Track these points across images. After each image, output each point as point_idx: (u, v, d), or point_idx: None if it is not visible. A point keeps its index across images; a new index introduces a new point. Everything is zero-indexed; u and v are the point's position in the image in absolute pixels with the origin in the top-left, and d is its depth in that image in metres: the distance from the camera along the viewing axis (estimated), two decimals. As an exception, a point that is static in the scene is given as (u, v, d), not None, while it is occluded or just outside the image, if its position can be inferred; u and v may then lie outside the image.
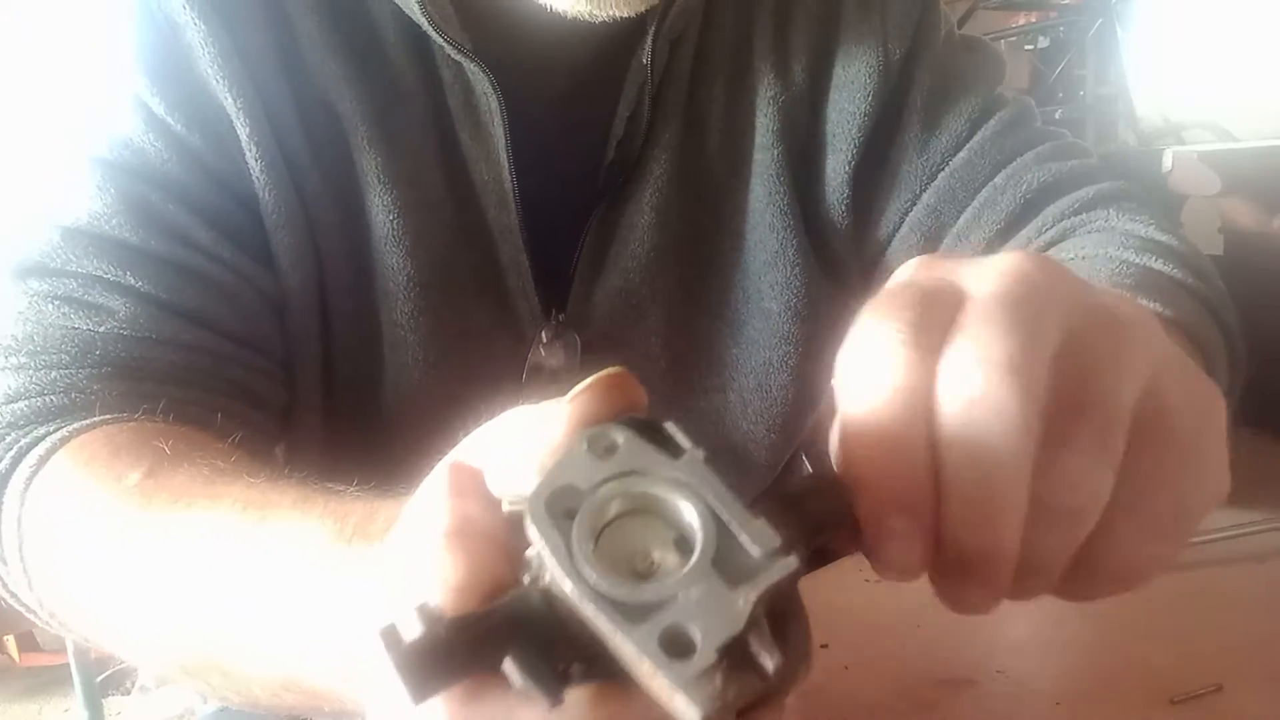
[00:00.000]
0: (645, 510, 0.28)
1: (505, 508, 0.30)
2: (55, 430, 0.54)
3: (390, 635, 0.25)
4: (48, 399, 0.55)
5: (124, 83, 0.60)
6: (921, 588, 0.66)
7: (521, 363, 0.69)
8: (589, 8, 0.58)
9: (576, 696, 0.26)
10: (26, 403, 0.55)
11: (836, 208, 0.73)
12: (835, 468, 0.31)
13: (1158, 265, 0.61)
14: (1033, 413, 0.28)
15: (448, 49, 0.62)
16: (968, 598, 0.31)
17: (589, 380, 0.29)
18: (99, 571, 0.49)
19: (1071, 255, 0.64)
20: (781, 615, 0.27)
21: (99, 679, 1.58)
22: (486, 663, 0.26)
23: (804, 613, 0.28)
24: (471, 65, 0.63)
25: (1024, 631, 0.59)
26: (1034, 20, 3.34)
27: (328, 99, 0.64)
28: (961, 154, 0.72)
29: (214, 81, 0.60)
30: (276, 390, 0.65)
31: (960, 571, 0.30)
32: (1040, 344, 0.29)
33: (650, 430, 0.28)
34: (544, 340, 0.69)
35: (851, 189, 0.72)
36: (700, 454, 0.28)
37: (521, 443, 0.29)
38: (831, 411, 0.33)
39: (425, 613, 0.25)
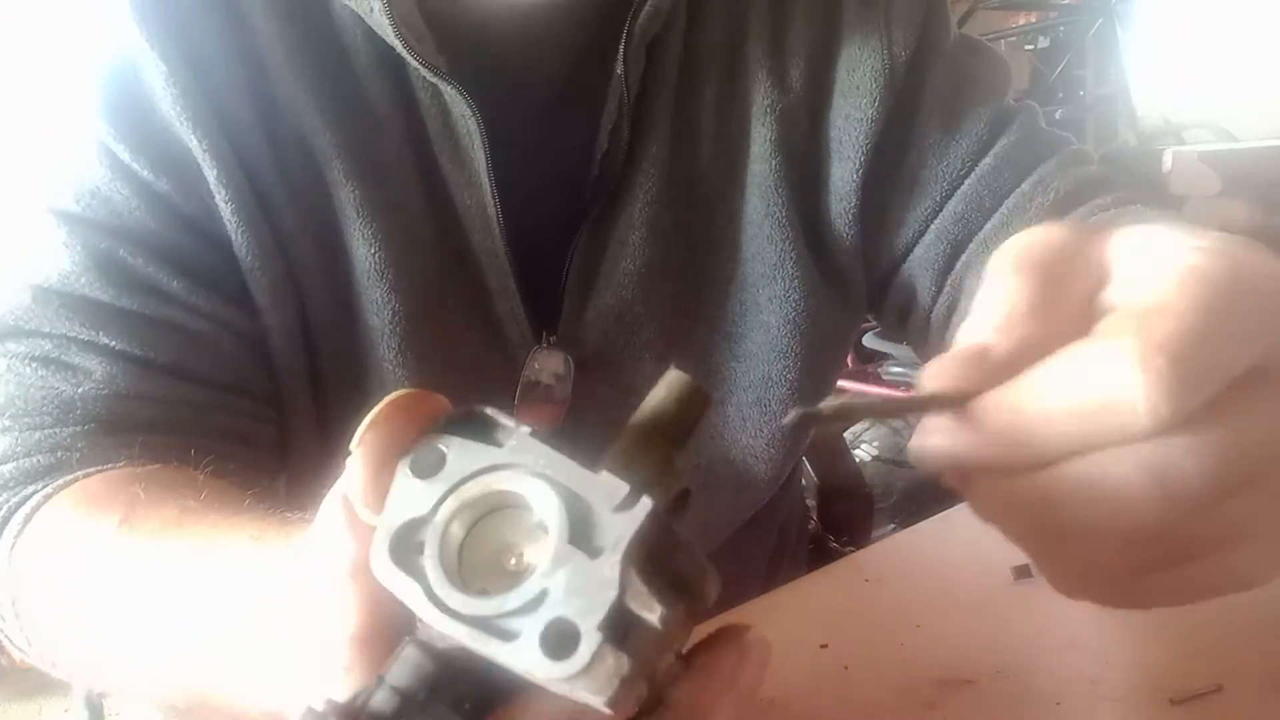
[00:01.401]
0: (496, 508, 0.27)
1: None
2: (41, 489, 0.54)
3: None
4: (34, 459, 0.56)
5: (87, 129, 0.59)
6: (921, 587, 0.66)
7: (513, 385, 0.68)
8: None
9: None
10: (14, 464, 0.56)
11: (843, 217, 0.71)
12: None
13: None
14: (1134, 533, 0.29)
15: (424, 71, 0.60)
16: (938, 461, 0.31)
17: (371, 416, 0.28)
18: (85, 620, 0.49)
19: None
20: (662, 553, 0.26)
21: (99, 679, 1.58)
22: None
23: (685, 540, 0.27)
24: (448, 88, 0.61)
25: (1024, 631, 0.59)
26: (1034, 20, 3.34)
27: (300, 131, 0.62)
28: (987, 160, 0.71)
29: (178, 123, 0.58)
30: (265, 430, 0.64)
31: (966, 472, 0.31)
32: (1212, 504, 0.28)
33: (472, 425, 0.28)
34: (535, 363, 0.68)
35: (860, 198, 0.71)
36: (525, 430, 0.27)
37: (345, 472, 0.28)
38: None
39: (310, 718, 0.25)
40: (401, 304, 0.64)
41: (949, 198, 0.71)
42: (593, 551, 0.25)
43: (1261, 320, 0.29)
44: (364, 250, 0.63)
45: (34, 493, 0.55)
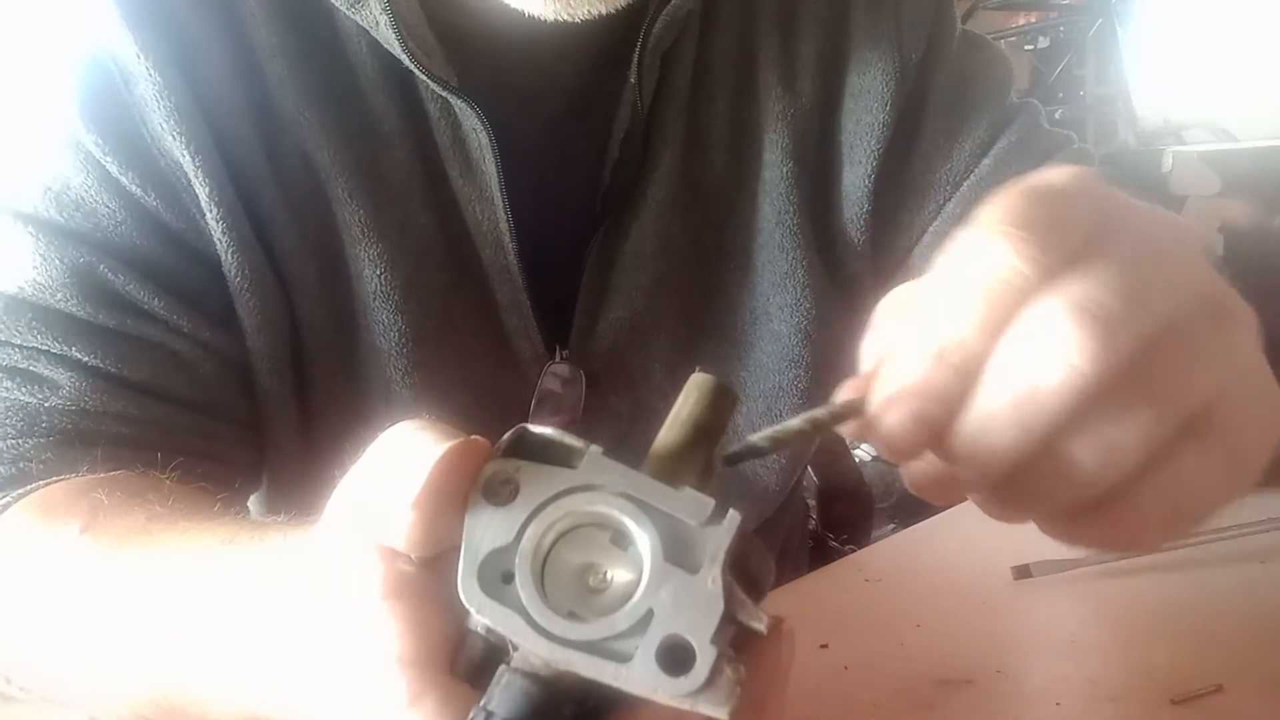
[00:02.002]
0: (573, 527, 0.27)
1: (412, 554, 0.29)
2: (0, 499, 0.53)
3: None
4: None
5: (73, 138, 0.56)
6: (921, 587, 0.66)
7: (523, 401, 0.67)
8: (564, 9, 0.55)
9: None
10: None
11: (855, 222, 0.70)
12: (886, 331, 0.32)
13: None
14: (1101, 377, 0.28)
15: (433, 85, 0.59)
16: (937, 492, 0.32)
17: (426, 475, 0.27)
18: (47, 621, 0.48)
19: None
20: (742, 558, 0.27)
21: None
22: None
23: (756, 542, 0.28)
24: (459, 101, 0.59)
25: (1024, 631, 0.59)
26: (1034, 20, 3.34)
27: (303, 148, 0.60)
28: (986, 161, 0.70)
29: (170, 137, 0.56)
30: (239, 450, 0.62)
31: (947, 469, 0.31)
32: (1147, 316, 0.29)
33: (536, 445, 0.28)
34: (546, 378, 0.67)
35: (872, 202, 0.70)
36: (597, 450, 0.27)
37: (392, 523, 0.28)
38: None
39: None
40: (409, 325, 0.62)
41: (949, 199, 0.71)
42: (690, 567, 0.26)
43: (1086, 197, 0.31)
44: (369, 271, 0.61)
45: None
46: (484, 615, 0.26)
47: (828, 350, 0.72)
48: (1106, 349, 0.28)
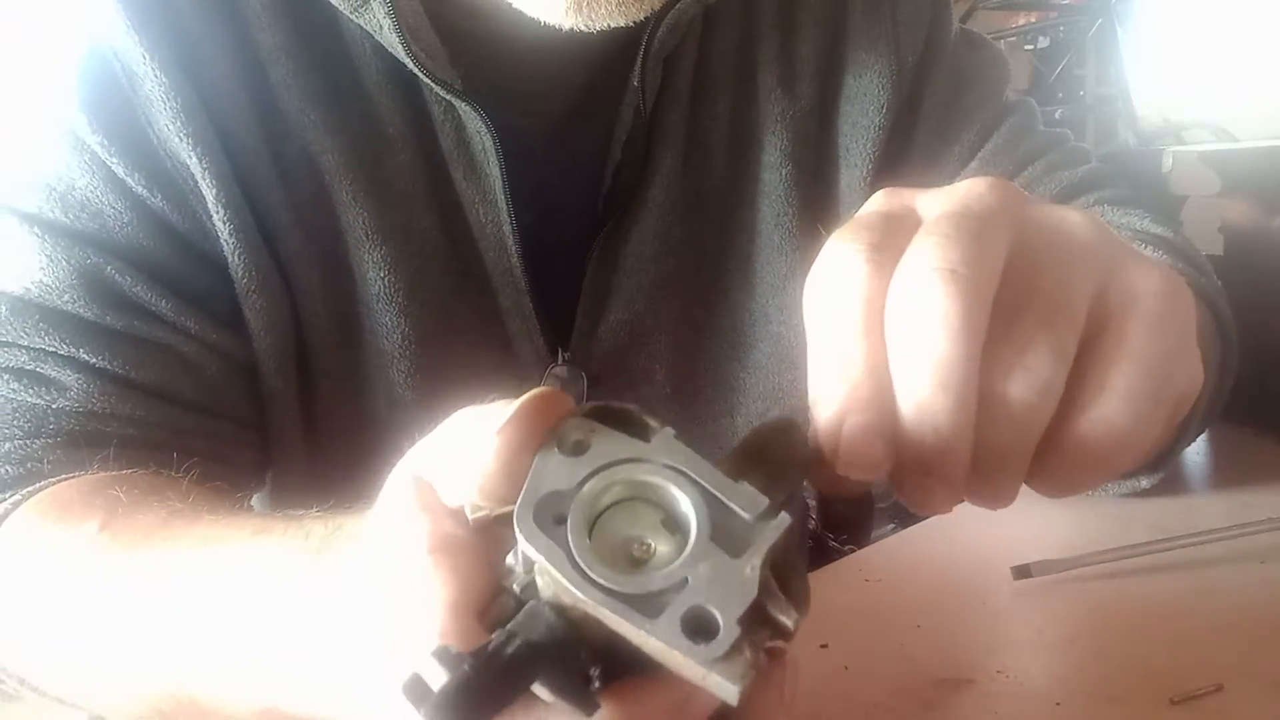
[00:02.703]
0: (628, 497, 0.28)
1: (469, 515, 0.30)
2: (9, 498, 0.53)
3: (416, 687, 0.25)
4: (4, 469, 0.55)
5: (78, 138, 0.56)
6: (921, 587, 0.66)
7: None
8: (583, 20, 0.55)
9: (608, 700, 0.27)
10: None
11: None
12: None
13: (1146, 253, 0.61)
14: (976, 313, 0.30)
15: (437, 89, 0.59)
16: (929, 496, 0.32)
17: (514, 409, 0.28)
18: (65, 620, 0.48)
19: None
20: (784, 569, 0.28)
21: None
22: (516, 690, 0.26)
23: (802, 563, 0.29)
24: (463, 104, 0.59)
25: (1024, 631, 0.59)
26: (1034, 20, 3.34)
27: (308, 151, 0.60)
28: (973, 164, 0.71)
29: (176, 139, 0.56)
30: (244, 452, 0.62)
31: (919, 470, 0.31)
32: (986, 250, 0.31)
33: (614, 416, 0.29)
34: (548, 380, 0.67)
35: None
36: (670, 431, 0.29)
37: (471, 455, 0.29)
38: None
39: (445, 657, 0.25)
40: (412, 327, 0.63)
41: None
42: (733, 552, 0.27)
43: (894, 201, 0.35)
44: (373, 274, 0.61)
45: (1, 502, 0.53)
46: (531, 544, 0.27)
47: None
48: (962, 287, 0.30)
